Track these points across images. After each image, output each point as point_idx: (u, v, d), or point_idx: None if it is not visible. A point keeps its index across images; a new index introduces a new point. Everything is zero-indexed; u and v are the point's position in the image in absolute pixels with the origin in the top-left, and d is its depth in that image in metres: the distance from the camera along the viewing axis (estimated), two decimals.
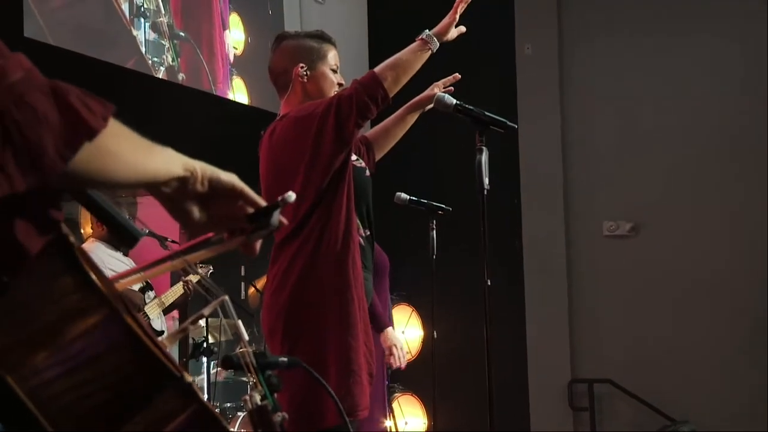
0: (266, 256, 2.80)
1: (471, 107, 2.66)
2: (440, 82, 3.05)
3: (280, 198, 1.07)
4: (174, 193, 1.02)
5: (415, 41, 2.70)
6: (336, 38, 2.96)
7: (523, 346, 6.04)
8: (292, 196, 1.08)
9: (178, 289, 4.17)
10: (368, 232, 2.91)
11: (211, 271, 4.27)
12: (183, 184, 1.02)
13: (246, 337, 1.09)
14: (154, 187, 1.00)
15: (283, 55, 2.88)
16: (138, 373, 0.83)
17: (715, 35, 5.94)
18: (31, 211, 0.85)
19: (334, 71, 2.86)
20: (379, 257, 3.76)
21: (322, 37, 2.89)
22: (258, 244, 1.11)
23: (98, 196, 1.01)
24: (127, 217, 1.09)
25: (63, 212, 0.91)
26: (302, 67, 2.82)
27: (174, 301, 4.20)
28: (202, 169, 1.04)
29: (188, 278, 4.06)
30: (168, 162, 1.01)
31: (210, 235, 1.10)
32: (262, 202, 1.08)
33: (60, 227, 0.87)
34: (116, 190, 0.96)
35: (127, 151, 0.95)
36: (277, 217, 1.07)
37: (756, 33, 5.78)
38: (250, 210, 1.08)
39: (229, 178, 1.06)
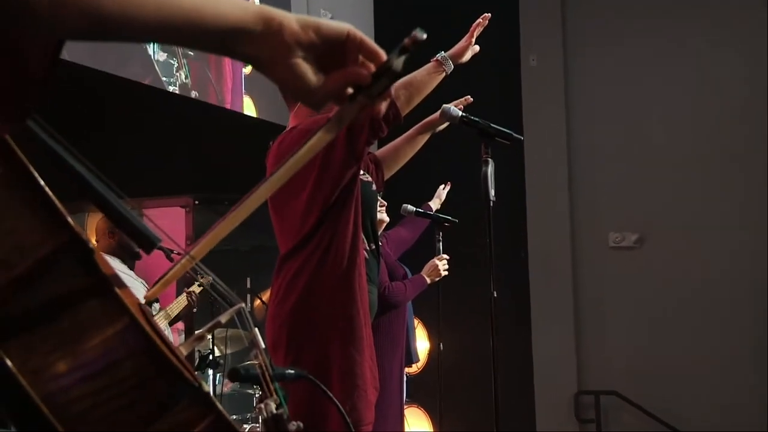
0: (273, 268, 2.80)
1: (477, 119, 2.67)
2: (452, 105, 3.05)
3: (407, 39, 0.86)
4: (268, 53, 0.82)
5: (429, 62, 2.70)
6: None
7: (529, 357, 6.04)
8: (423, 34, 0.88)
9: (182, 301, 4.17)
10: (373, 246, 2.91)
11: (211, 282, 4.27)
12: (268, 36, 0.81)
13: (263, 345, 1.08)
14: (230, 46, 0.81)
15: None
16: (155, 381, 0.83)
17: (719, 44, 5.95)
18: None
19: None
20: (396, 270, 3.77)
21: None
22: (384, 104, 0.91)
23: (114, 198, 1.00)
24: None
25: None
26: None
27: (179, 313, 4.21)
28: (300, 20, 0.83)
29: (191, 289, 4.06)
30: (230, 6, 0.80)
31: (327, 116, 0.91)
32: (383, 53, 0.88)
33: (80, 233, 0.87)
34: (156, 38, 0.78)
35: None
36: (401, 61, 0.86)
37: (759, 42, 5.79)
38: (371, 66, 0.88)
39: (341, 25, 0.86)
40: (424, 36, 0.86)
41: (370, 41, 0.86)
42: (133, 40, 0.78)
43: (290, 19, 0.82)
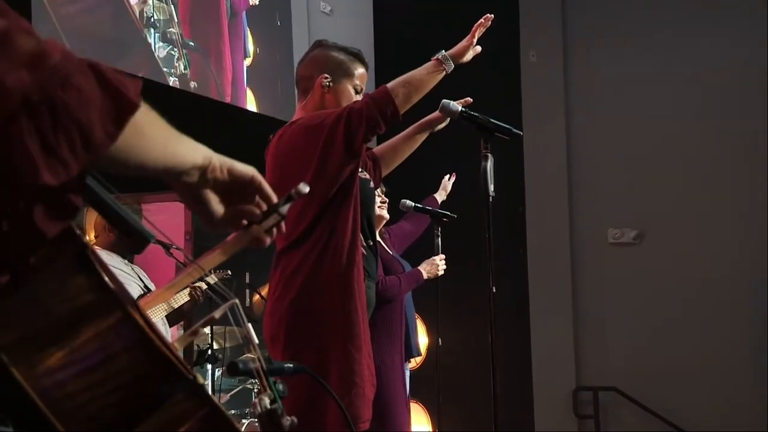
0: (271, 264, 2.80)
1: (476, 114, 2.67)
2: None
3: (293, 190, 1.09)
4: (195, 184, 1.02)
5: (430, 60, 2.69)
6: None
7: (528, 353, 6.04)
8: (305, 187, 1.10)
9: (183, 295, 4.15)
10: (371, 242, 2.92)
11: (229, 274, 4.27)
12: (203, 173, 1.02)
13: (256, 340, 1.08)
14: (176, 176, 1.00)
15: (313, 61, 2.89)
16: (150, 374, 0.83)
17: (720, 43, 5.95)
18: (51, 195, 0.84)
19: (357, 92, 2.86)
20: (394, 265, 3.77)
21: (357, 56, 2.89)
22: (268, 238, 1.12)
23: (108, 197, 1.01)
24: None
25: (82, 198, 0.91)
26: (326, 78, 2.83)
27: (180, 307, 4.19)
28: (220, 159, 1.04)
29: (196, 284, 4.05)
30: (192, 150, 1.01)
31: (228, 238, 1.11)
32: (276, 198, 1.10)
33: (74, 221, 0.87)
34: (145, 173, 0.94)
35: (159, 132, 0.95)
36: (287, 207, 1.10)
37: (760, 39, 5.79)
38: (264, 206, 1.10)
39: (249, 169, 1.07)
40: (307, 189, 1.10)
41: (267, 186, 1.08)
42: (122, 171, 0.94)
43: (215, 158, 1.03)
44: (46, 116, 0.80)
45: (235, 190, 1.06)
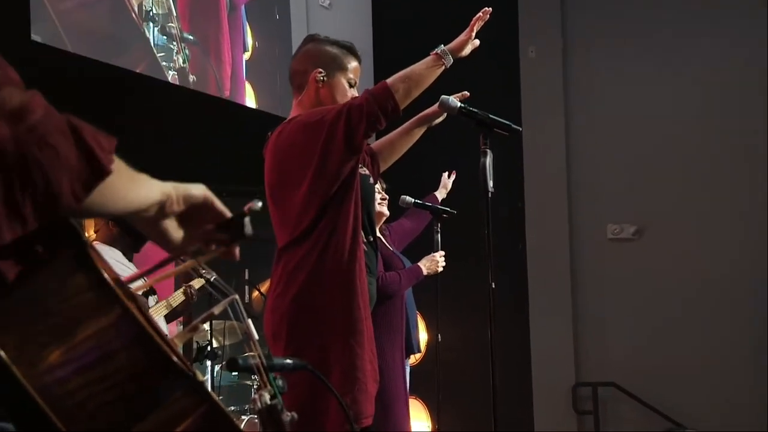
0: (271, 260, 2.80)
1: (475, 110, 2.66)
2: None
3: (246, 207, 1.11)
4: (152, 217, 1.05)
5: (429, 55, 2.69)
6: None
7: (527, 349, 6.04)
8: (258, 204, 1.12)
9: (179, 295, 4.15)
10: (371, 238, 2.91)
11: (214, 277, 4.26)
12: (161, 207, 1.05)
13: (256, 336, 1.08)
14: (135, 214, 1.03)
15: (306, 56, 2.88)
16: (150, 371, 0.83)
17: (720, 40, 5.95)
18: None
19: (351, 85, 2.86)
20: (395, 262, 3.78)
21: (349, 50, 2.88)
22: (237, 251, 1.15)
23: None
24: None
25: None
26: (320, 72, 2.82)
27: (176, 307, 4.19)
28: (176, 189, 1.07)
29: (190, 283, 4.04)
30: (149, 190, 1.04)
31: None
32: (228, 214, 1.13)
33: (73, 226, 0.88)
34: (105, 218, 0.98)
35: (124, 186, 0.98)
36: (249, 225, 1.11)
37: (759, 40, 5.79)
38: (218, 221, 1.12)
39: (200, 191, 1.10)
40: (260, 204, 1.12)
41: (219, 204, 1.12)
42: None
43: (173, 193, 1.07)
44: (17, 172, 0.80)
45: (192, 214, 1.09)
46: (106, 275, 0.84)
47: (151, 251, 3.77)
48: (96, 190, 0.89)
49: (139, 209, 1.02)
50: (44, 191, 0.82)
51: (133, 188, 1.00)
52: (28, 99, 0.83)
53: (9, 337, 0.81)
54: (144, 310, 0.89)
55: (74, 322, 0.82)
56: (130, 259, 4.13)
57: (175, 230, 1.09)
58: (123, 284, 0.90)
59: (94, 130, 0.89)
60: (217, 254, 1.13)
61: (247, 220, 1.11)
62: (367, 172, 2.97)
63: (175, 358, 0.83)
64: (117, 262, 4.01)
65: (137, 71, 4.48)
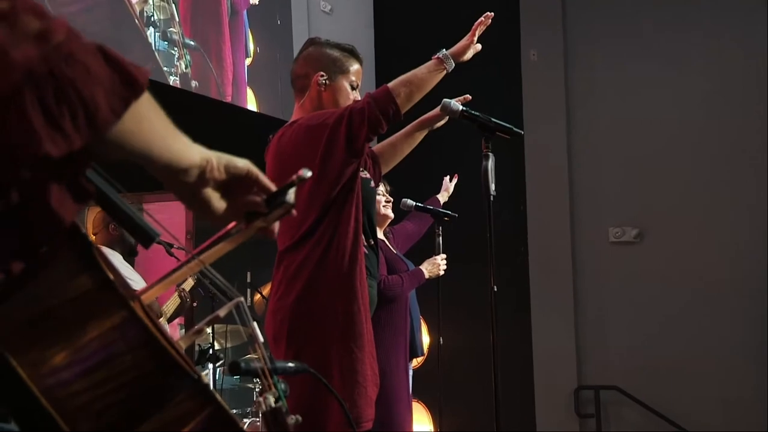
0: (273, 263, 2.80)
1: (477, 113, 2.67)
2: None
3: (295, 176, 1.09)
4: (193, 184, 1.02)
5: (431, 59, 2.69)
6: None
7: (529, 352, 6.04)
8: (308, 173, 1.09)
9: (175, 299, 4.15)
10: (372, 242, 2.92)
11: (219, 279, 4.24)
12: (202, 172, 1.02)
13: (261, 338, 1.08)
14: (175, 173, 1.00)
15: (308, 59, 2.89)
16: (154, 373, 0.84)
17: (722, 42, 5.95)
18: (65, 178, 0.85)
19: (353, 88, 2.86)
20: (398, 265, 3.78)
21: (351, 53, 2.89)
22: (276, 226, 1.12)
23: (114, 194, 1.01)
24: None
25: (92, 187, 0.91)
26: (322, 76, 2.82)
27: (174, 311, 4.19)
28: (218, 157, 1.05)
29: (182, 286, 4.03)
30: (190, 148, 1.01)
31: (229, 227, 1.11)
32: (273, 188, 1.11)
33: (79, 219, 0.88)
34: (146, 166, 0.95)
35: (162, 126, 0.95)
36: (293, 194, 1.09)
37: (759, 40, 5.79)
38: (264, 196, 1.10)
39: (245, 163, 1.08)
40: (309, 174, 1.08)
41: (264, 178, 1.09)
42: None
43: (214, 159, 1.04)
44: (49, 89, 0.80)
45: (234, 184, 1.07)
46: (111, 276, 0.84)
47: (152, 256, 3.77)
48: (134, 118, 0.88)
49: (179, 164, 0.98)
50: (80, 106, 0.82)
51: (171, 135, 0.97)
52: (51, 22, 0.82)
53: (14, 338, 0.82)
54: (149, 312, 0.90)
55: (79, 323, 0.82)
56: (131, 263, 4.14)
57: (217, 201, 1.06)
58: (127, 285, 0.90)
59: (123, 57, 0.88)
60: (255, 231, 1.10)
61: (293, 189, 1.08)
62: (368, 175, 2.98)
63: (180, 360, 0.83)
64: (119, 263, 4.02)
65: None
